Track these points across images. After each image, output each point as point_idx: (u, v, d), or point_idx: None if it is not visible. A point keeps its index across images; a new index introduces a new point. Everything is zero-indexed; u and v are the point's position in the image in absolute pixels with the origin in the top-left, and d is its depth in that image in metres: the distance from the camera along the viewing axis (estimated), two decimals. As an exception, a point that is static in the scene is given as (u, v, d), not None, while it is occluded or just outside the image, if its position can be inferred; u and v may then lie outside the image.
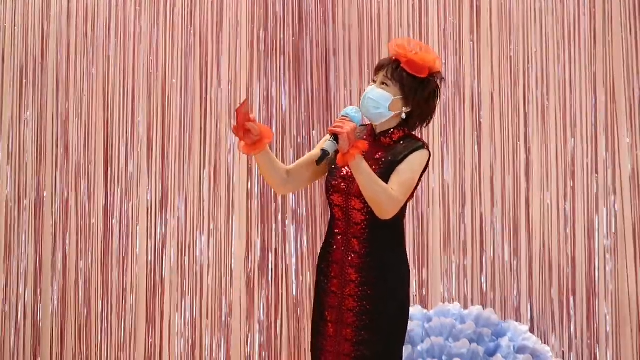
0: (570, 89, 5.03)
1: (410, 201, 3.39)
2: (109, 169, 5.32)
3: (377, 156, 3.33)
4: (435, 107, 3.40)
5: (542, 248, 4.98)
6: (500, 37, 5.11)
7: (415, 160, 3.30)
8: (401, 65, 3.33)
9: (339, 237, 3.34)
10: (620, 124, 4.98)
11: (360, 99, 3.38)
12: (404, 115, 3.35)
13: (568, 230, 4.97)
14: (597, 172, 4.97)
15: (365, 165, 3.21)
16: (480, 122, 5.10)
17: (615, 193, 4.95)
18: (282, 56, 5.28)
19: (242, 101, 3.30)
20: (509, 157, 5.05)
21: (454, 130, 5.11)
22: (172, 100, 5.32)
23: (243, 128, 3.26)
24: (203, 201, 5.25)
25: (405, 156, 3.30)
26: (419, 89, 3.33)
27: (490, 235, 5.03)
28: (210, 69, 5.32)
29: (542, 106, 5.04)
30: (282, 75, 5.26)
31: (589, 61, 5.02)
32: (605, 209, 4.94)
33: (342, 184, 3.33)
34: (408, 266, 3.36)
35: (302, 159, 3.47)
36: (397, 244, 3.35)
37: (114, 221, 5.29)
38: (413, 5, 5.20)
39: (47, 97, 5.39)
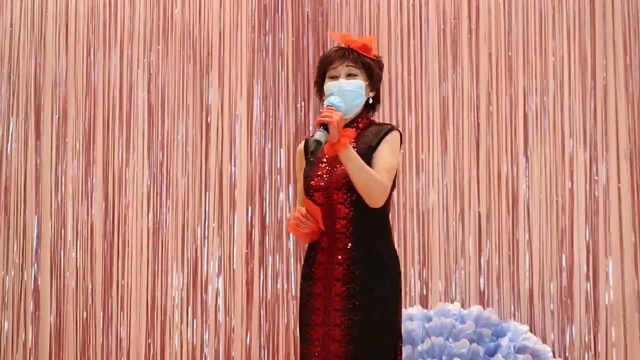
0: (569, 90, 5.04)
1: (395, 192, 3.40)
2: (109, 169, 5.32)
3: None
4: None
5: (541, 248, 4.98)
6: (499, 37, 5.12)
7: (391, 143, 3.32)
8: (358, 50, 3.38)
9: (323, 237, 3.32)
10: (620, 125, 4.98)
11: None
12: (370, 100, 3.40)
13: (567, 230, 4.97)
14: (596, 174, 4.98)
15: (355, 153, 3.22)
16: (478, 124, 5.11)
17: (613, 194, 4.96)
18: (281, 57, 5.28)
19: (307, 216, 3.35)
20: (508, 158, 5.06)
21: (453, 131, 5.11)
22: (173, 100, 5.33)
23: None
24: (206, 202, 5.25)
25: (379, 141, 3.31)
26: (378, 70, 3.42)
27: (489, 235, 5.03)
28: (210, 70, 5.32)
29: (541, 107, 5.05)
30: (281, 75, 5.27)
31: (588, 60, 5.03)
32: (604, 210, 4.95)
33: (322, 182, 3.32)
34: (395, 257, 3.33)
35: (302, 195, 3.43)
36: (383, 235, 3.33)
37: (114, 223, 5.30)
38: (413, 4, 5.21)
39: (45, 97, 5.39)
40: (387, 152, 3.30)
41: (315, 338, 3.28)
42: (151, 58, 5.37)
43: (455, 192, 5.07)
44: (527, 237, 5.00)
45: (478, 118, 5.11)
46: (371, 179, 3.21)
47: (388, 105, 5.16)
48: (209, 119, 5.30)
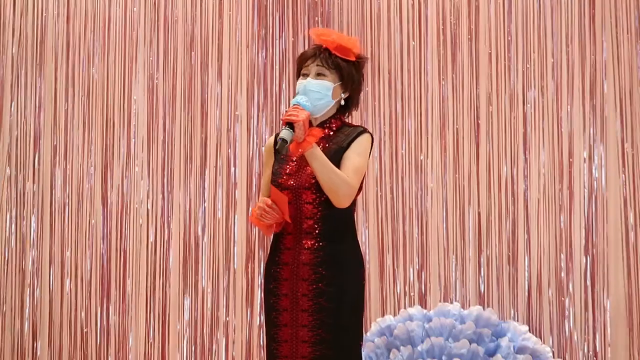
0: (568, 90, 5.04)
1: (362, 193, 3.39)
2: (108, 169, 5.32)
3: (320, 147, 3.28)
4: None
5: (540, 248, 4.99)
6: (499, 37, 5.12)
7: (362, 145, 3.31)
8: (332, 51, 3.33)
9: (289, 237, 3.30)
10: (619, 125, 4.98)
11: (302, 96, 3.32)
12: (342, 102, 3.37)
13: (566, 230, 4.98)
14: (595, 175, 4.98)
15: (320, 152, 3.21)
16: (478, 124, 5.11)
17: (613, 194, 4.96)
18: (281, 57, 5.28)
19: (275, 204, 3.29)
20: (508, 158, 5.06)
21: (452, 131, 5.11)
22: (173, 101, 5.32)
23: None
24: (206, 202, 5.25)
25: (350, 143, 3.30)
26: (354, 73, 3.37)
27: (489, 236, 5.03)
28: (210, 69, 5.32)
29: (541, 107, 5.05)
30: (282, 76, 5.27)
31: (587, 60, 5.03)
32: (603, 210, 4.95)
33: (290, 181, 3.31)
34: (361, 258, 3.34)
35: (266, 185, 3.42)
36: (350, 236, 3.33)
37: (113, 222, 5.30)
38: (413, 5, 5.21)
39: (46, 94, 5.39)
40: (356, 153, 3.29)
41: (283, 339, 3.27)
42: (150, 57, 5.36)
43: (455, 192, 5.07)
44: (526, 237, 5.00)
45: (478, 118, 5.11)
46: (337, 179, 3.20)
47: (388, 105, 5.16)
48: (208, 119, 5.29)
